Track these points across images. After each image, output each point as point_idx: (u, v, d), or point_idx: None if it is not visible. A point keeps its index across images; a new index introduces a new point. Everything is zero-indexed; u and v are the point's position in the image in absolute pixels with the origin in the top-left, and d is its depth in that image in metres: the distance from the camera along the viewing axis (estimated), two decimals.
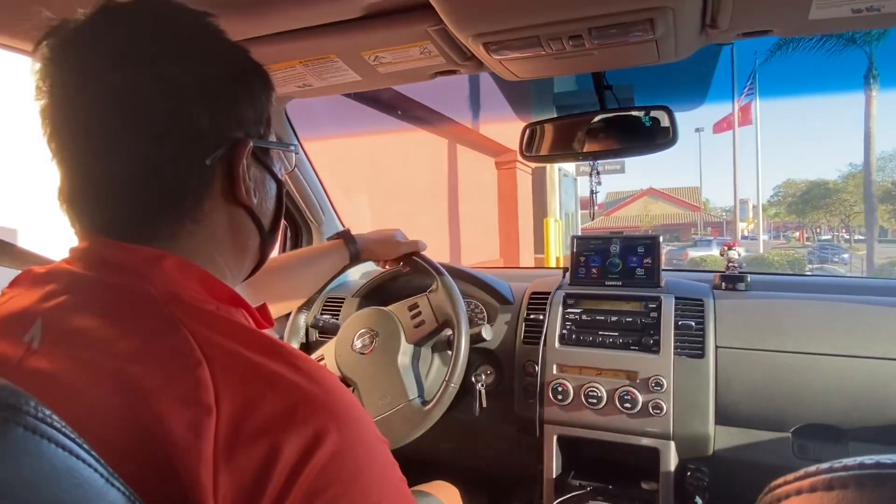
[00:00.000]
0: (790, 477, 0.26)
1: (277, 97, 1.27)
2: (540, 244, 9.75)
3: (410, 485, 1.17)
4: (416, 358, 1.18)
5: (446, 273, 1.17)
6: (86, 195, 0.48)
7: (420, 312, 1.18)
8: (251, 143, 0.52)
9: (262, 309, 0.54)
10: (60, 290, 0.46)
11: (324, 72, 1.09)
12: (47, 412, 0.30)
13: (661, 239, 1.36)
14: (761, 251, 19.83)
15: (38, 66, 0.47)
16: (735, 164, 18.16)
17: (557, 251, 9.10)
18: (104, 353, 0.41)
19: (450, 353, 1.13)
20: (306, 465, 0.39)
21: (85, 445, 0.31)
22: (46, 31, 0.47)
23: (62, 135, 0.47)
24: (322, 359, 1.22)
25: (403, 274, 1.36)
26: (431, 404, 1.08)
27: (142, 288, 0.45)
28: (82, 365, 0.41)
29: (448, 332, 1.17)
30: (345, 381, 1.13)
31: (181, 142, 0.47)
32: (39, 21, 0.48)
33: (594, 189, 1.26)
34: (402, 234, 1.19)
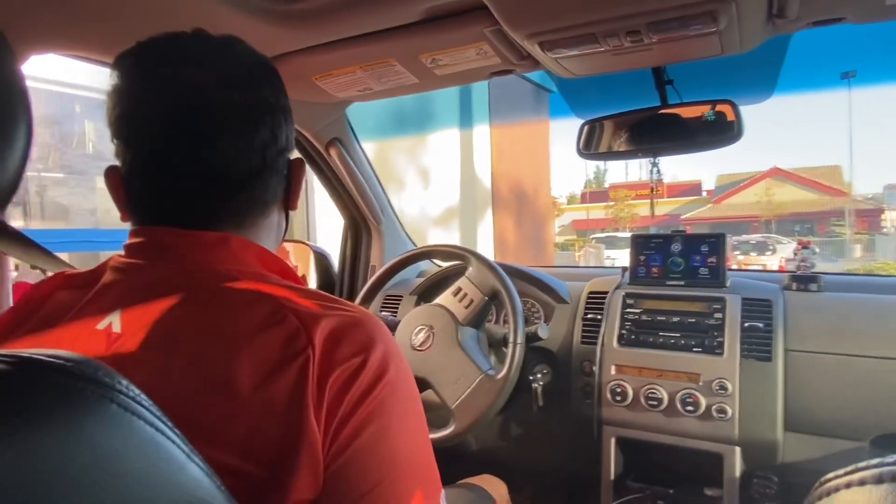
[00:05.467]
0: (841, 471, 0.26)
1: (339, 101, 1.32)
2: None
3: (462, 479, 1.19)
4: (475, 338, 1.21)
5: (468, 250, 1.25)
6: (175, 196, 0.54)
7: (466, 294, 1.21)
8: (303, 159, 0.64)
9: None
10: (135, 278, 0.52)
11: (383, 75, 1.12)
12: (136, 391, 0.33)
13: (726, 237, 1.31)
14: None
15: (125, 75, 0.53)
16: None
17: None
18: (189, 324, 0.47)
19: (505, 350, 1.14)
20: (379, 383, 0.48)
21: (169, 423, 0.34)
22: (138, 44, 0.53)
23: (159, 141, 0.53)
24: None
25: (458, 271, 1.38)
26: (505, 369, 1.11)
27: (212, 266, 0.52)
28: (170, 338, 0.46)
29: (504, 329, 1.18)
30: (416, 381, 1.16)
31: (275, 153, 0.57)
32: (115, 33, 0.54)
33: (653, 186, 1.23)
34: None
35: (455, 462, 1.29)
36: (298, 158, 0.62)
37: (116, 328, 0.48)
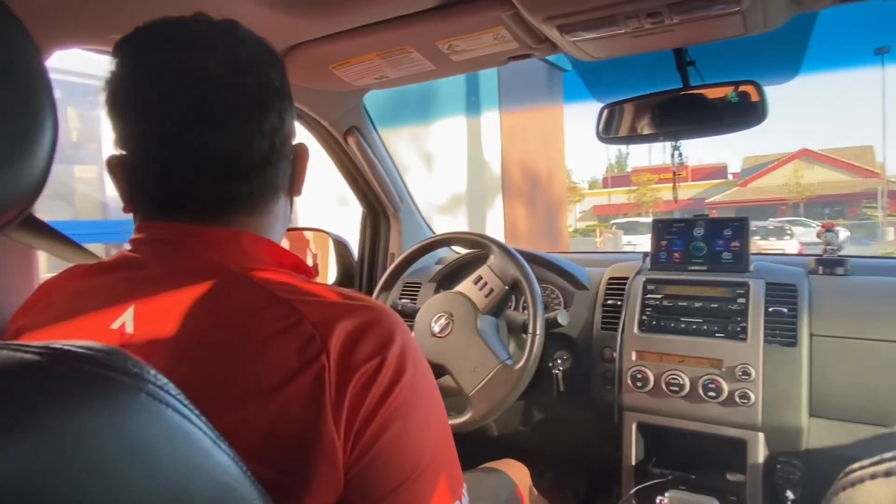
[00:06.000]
0: (866, 462, 0.26)
1: (355, 90, 1.32)
2: None
3: (484, 463, 1.20)
4: (494, 327, 1.21)
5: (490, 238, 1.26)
6: (186, 186, 0.52)
7: (486, 283, 1.22)
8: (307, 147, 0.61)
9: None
10: (146, 276, 0.50)
11: (400, 63, 1.12)
12: (164, 380, 0.34)
13: (749, 221, 1.28)
14: None
15: (127, 61, 0.51)
16: None
17: None
18: (202, 327, 0.46)
19: (524, 336, 1.14)
20: (398, 382, 0.46)
21: (195, 411, 0.35)
22: (138, 29, 0.52)
23: (167, 128, 0.50)
24: None
25: (477, 259, 1.38)
26: (523, 360, 1.12)
27: (223, 265, 0.50)
28: (183, 340, 0.45)
29: (524, 316, 1.18)
30: (434, 368, 1.16)
31: (283, 138, 0.55)
32: (116, 21, 0.52)
33: (675, 170, 1.21)
34: None
35: (477, 446, 1.30)
36: (303, 143, 0.60)
37: (129, 329, 0.47)
